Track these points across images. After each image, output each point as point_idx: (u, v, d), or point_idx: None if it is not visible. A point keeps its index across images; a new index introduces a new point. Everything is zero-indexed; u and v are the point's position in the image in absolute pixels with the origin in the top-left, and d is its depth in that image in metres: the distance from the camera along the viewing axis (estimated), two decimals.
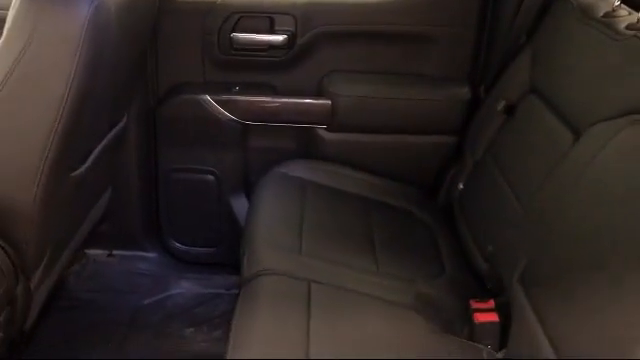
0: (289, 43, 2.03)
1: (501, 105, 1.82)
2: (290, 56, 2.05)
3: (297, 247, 1.58)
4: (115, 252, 2.25)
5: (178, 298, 2.10)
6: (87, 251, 2.22)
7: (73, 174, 1.45)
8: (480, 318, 1.46)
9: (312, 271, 1.46)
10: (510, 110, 1.79)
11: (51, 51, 1.26)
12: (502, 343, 1.41)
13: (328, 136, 2.07)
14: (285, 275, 1.43)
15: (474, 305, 1.49)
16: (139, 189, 2.15)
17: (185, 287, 2.15)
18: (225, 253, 2.22)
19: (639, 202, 1.12)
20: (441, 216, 1.96)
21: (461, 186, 1.92)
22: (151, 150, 2.13)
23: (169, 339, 1.92)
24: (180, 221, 2.24)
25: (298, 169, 1.98)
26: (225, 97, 2.04)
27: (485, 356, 1.39)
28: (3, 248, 1.31)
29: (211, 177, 2.17)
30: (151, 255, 2.26)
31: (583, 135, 1.37)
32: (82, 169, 1.50)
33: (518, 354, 1.32)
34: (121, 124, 1.80)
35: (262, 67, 2.08)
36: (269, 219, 1.71)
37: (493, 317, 1.45)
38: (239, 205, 2.18)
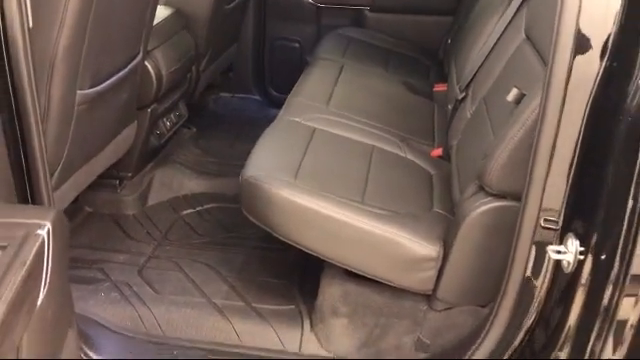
0: None
1: None
2: None
3: (341, 53, 2.85)
4: (236, 95, 3.59)
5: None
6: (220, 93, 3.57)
7: (225, 7, 2.79)
8: (436, 89, 2.67)
9: (344, 61, 2.74)
10: None
11: None
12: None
13: (370, 15, 3.30)
14: (328, 60, 2.71)
15: (436, 84, 2.70)
16: (252, 50, 3.47)
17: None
18: None
19: None
20: (437, 64, 3.14)
21: (449, 41, 3.09)
22: (262, 23, 3.43)
23: None
24: (276, 75, 3.54)
25: (348, 31, 3.22)
26: None
27: (436, 110, 2.58)
28: (193, 37, 2.64)
29: (296, 45, 3.45)
30: (257, 98, 3.57)
31: None
32: (228, 8, 2.83)
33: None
34: None
35: None
36: (324, 46, 2.98)
37: (444, 88, 2.64)
38: None
